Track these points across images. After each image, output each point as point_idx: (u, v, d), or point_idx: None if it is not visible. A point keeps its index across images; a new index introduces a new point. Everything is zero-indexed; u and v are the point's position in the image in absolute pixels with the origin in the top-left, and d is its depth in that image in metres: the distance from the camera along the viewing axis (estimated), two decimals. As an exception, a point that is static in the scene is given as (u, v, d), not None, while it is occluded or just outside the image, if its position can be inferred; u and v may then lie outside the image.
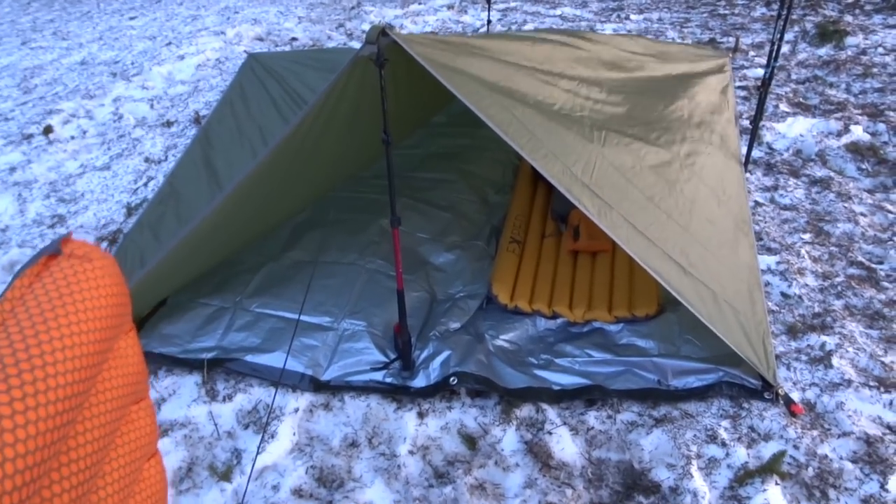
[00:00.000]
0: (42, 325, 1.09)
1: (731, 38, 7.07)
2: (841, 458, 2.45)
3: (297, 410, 2.77)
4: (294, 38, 7.73)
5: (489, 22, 6.15)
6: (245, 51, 6.96)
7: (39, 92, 6.50)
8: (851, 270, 3.47)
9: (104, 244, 3.98)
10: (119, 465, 1.38)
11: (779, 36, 3.81)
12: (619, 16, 8.17)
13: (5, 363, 1.01)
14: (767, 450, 2.49)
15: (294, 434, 2.68)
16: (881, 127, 4.88)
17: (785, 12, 3.70)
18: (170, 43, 7.62)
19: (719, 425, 2.60)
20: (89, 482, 1.23)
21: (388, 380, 2.88)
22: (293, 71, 4.77)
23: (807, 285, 3.35)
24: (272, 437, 2.66)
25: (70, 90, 6.44)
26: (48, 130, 5.40)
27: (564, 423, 2.66)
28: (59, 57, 7.63)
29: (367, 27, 7.99)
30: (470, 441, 2.62)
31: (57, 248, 1.24)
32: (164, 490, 1.67)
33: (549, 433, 2.62)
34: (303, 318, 3.16)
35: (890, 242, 3.66)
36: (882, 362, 2.86)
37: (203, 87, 6.33)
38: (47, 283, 1.18)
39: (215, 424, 2.74)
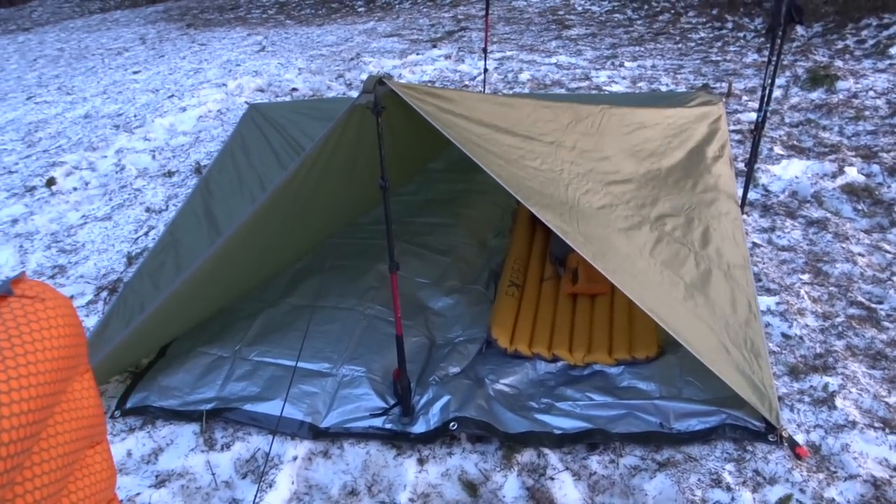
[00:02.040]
0: None
1: (723, 84, 7.19)
2: (848, 502, 2.40)
3: (295, 459, 2.73)
4: (294, 89, 7.86)
5: (485, 70, 6.26)
6: (246, 102, 7.07)
7: (43, 145, 6.59)
8: (852, 310, 3.46)
9: (104, 294, 3.99)
10: None
11: (770, 81, 3.89)
12: (613, 63, 8.33)
13: None
14: (773, 494, 2.45)
15: (293, 483, 2.65)
16: (875, 168, 4.93)
17: (775, 58, 3.78)
18: (172, 95, 7.76)
19: (724, 469, 2.56)
20: None
21: (388, 426, 2.85)
22: (293, 120, 4.83)
23: (807, 326, 3.34)
24: (270, 486, 2.62)
25: (73, 143, 6.54)
26: (51, 182, 5.46)
27: (566, 468, 2.62)
28: (63, 111, 7.76)
29: (366, 77, 8.13)
30: (471, 488, 2.58)
31: (7, 289, 1.23)
32: None
33: (552, 479, 2.58)
34: (302, 364, 3.15)
35: (889, 282, 3.66)
36: (886, 403, 2.83)
37: (204, 138, 6.41)
38: None
39: (213, 474, 2.70)
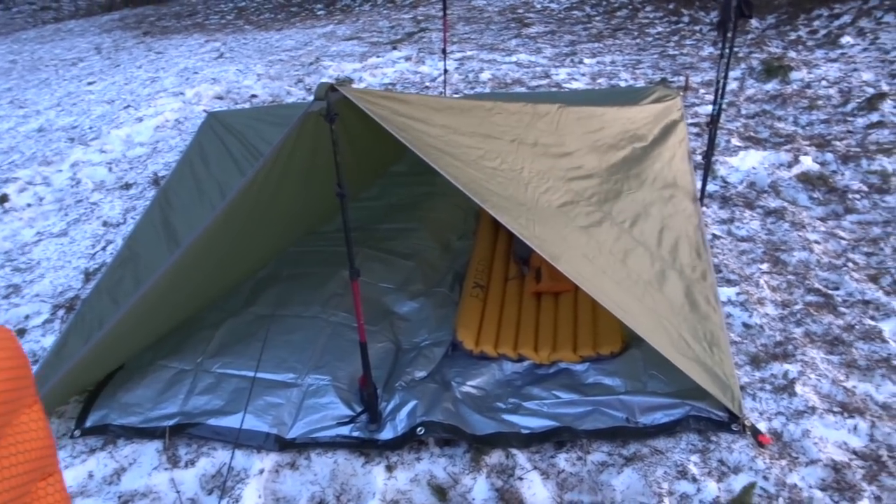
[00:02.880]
0: None
1: (681, 78, 7.29)
2: (810, 487, 2.45)
3: (262, 472, 2.70)
4: (254, 95, 7.79)
5: (446, 71, 6.27)
6: (204, 110, 6.97)
7: (-5, 160, 6.43)
8: (809, 298, 3.53)
9: (61, 312, 3.90)
10: None
11: (723, 74, 3.95)
12: (572, 60, 8.39)
13: None
14: (738, 482, 2.48)
15: (259, 496, 2.61)
16: (829, 157, 5.03)
17: (728, 51, 3.84)
18: (128, 106, 7.62)
19: (689, 460, 2.59)
20: None
21: (355, 434, 2.83)
22: (253, 127, 4.77)
23: (767, 315, 3.39)
24: (237, 501, 2.58)
25: (27, 158, 6.39)
26: (3, 199, 5.33)
27: (535, 468, 2.63)
28: (16, 125, 7.58)
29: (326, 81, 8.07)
30: (440, 492, 2.57)
31: None
32: None
33: (520, 479, 2.58)
34: (266, 375, 3.11)
35: (844, 268, 3.73)
36: (844, 387, 2.88)
37: (162, 148, 6.32)
38: None
39: (178, 492, 2.65)
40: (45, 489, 1.42)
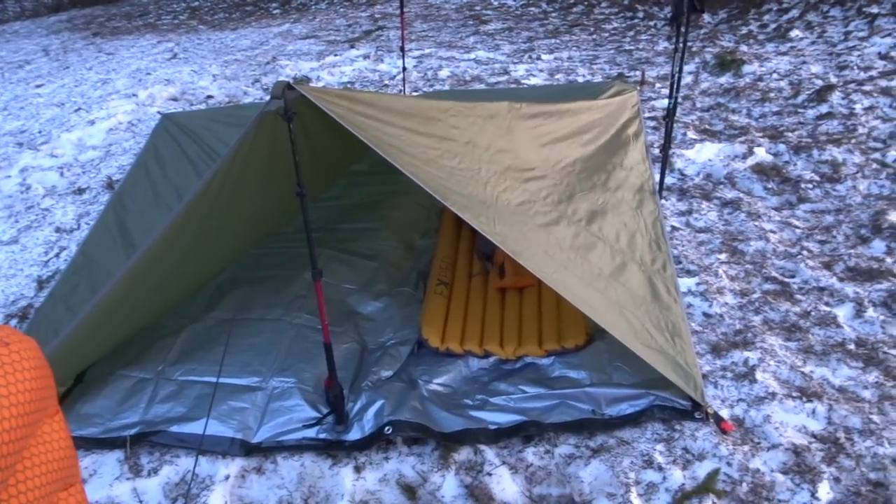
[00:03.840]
0: None
1: (637, 72, 7.38)
2: (772, 471, 2.50)
3: (227, 478, 2.66)
4: (210, 96, 7.66)
5: (404, 69, 6.24)
6: (158, 112, 6.83)
7: (-60, 167, 6.21)
8: (767, 286, 3.60)
9: (14, 321, 3.78)
10: None
11: (678, 68, 4.01)
12: (530, 56, 8.44)
13: None
14: (702, 469, 2.52)
15: (226, 502, 2.57)
16: (782, 147, 5.15)
17: (682, 45, 3.90)
18: (79, 109, 7.43)
19: (654, 449, 2.62)
20: None
21: (322, 436, 2.80)
22: (209, 129, 4.69)
23: (726, 304, 3.46)
24: (202, 509, 2.53)
25: (-27, 163, 6.18)
26: (-50, 206, 5.15)
27: (503, 463, 2.64)
28: (-39, 130, 7.33)
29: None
30: (409, 491, 2.56)
31: None
32: None
33: (489, 474, 2.59)
34: (230, 380, 3.07)
35: (799, 256, 3.82)
36: (802, 372, 2.95)
37: (116, 152, 6.17)
38: None
39: (140, 501, 2.59)
40: (66, 500, 1.41)
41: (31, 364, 1.24)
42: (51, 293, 3.63)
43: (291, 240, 4.05)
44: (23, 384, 1.19)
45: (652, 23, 9.80)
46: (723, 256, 3.89)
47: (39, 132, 6.85)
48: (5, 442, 1.11)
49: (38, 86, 8.94)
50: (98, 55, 10.79)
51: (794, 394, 2.84)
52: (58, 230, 4.80)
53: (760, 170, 4.90)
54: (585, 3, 11.31)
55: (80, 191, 5.42)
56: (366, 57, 8.86)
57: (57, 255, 4.45)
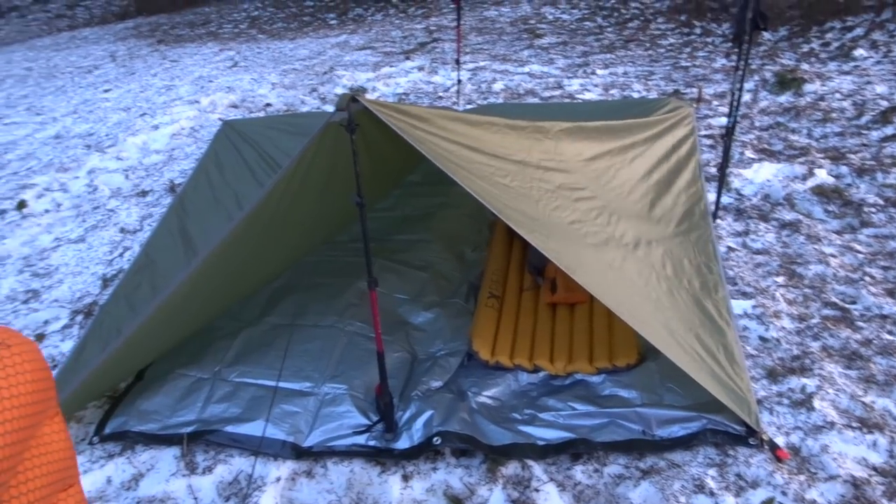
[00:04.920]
0: None
1: (693, 89, 7.29)
2: (829, 503, 2.43)
3: (278, 480, 2.71)
4: (268, 104, 7.84)
5: (459, 82, 6.30)
6: (219, 118, 7.03)
7: (13, 167, 6.50)
8: (826, 311, 3.52)
9: (80, 317, 3.93)
10: None
11: (738, 87, 3.96)
12: (584, 71, 8.41)
13: None
14: (756, 497, 2.47)
15: (276, 505, 2.62)
16: (844, 169, 5.02)
17: (743, 63, 3.85)
18: (144, 113, 7.69)
19: (706, 474, 2.58)
20: None
21: (371, 443, 2.84)
22: (268, 136, 4.80)
23: (783, 328, 3.39)
24: (254, 509, 2.59)
25: (44, 164, 6.45)
26: (22, 205, 5.38)
27: (551, 479, 2.63)
28: (33, 132, 7.66)
29: (339, 91, 8.13)
30: (456, 502, 2.57)
31: None
32: None
33: (536, 490, 2.58)
34: (283, 384, 3.13)
35: (861, 282, 3.72)
36: (863, 402, 2.87)
37: (178, 156, 6.37)
38: None
39: (195, 499, 2.66)
40: (65, 500, 1.44)
41: (32, 366, 1.26)
42: (114, 291, 3.75)
43: (345, 249, 4.12)
44: (23, 386, 1.22)
45: (709, 39, 9.67)
46: (780, 279, 3.81)
47: (106, 135, 7.11)
48: (6, 444, 1.13)
49: (105, 90, 9.28)
50: (162, 62, 11.15)
51: (854, 424, 2.76)
52: (122, 230, 4.97)
53: (821, 192, 4.79)
54: (642, 18, 11.23)
55: (144, 193, 5.61)
56: (420, 69, 8.95)
57: (121, 255, 4.61)
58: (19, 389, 1.19)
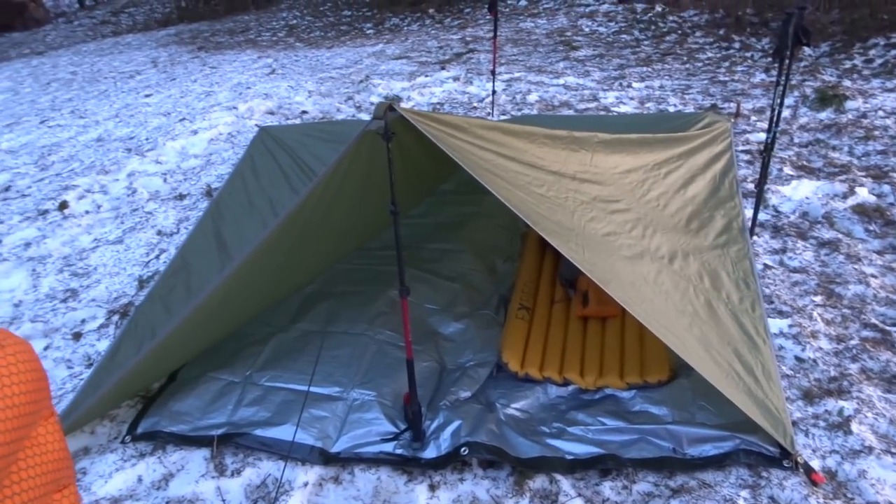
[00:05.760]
0: None
1: (731, 104, 7.21)
2: (866, 529, 2.37)
3: (306, 485, 2.72)
4: (304, 112, 7.93)
5: (494, 92, 6.30)
6: (256, 124, 7.12)
7: (56, 168, 6.66)
8: (865, 333, 3.43)
9: (116, 317, 4.00)
10: None
11: (779, 102, 3.90)
12: (620, 84, 8.36)
13: None
14: (789, 521, 2.42)
15: (303, 510, 2.63)
16: (886, 188, 4.91)
17: (784, 78, 3.79)
18: (183, 119, 7.83)
19: (738, 495, 2.53)
20: None
21: (399, 451, 2.84)
22: (303, 143, 4.85)
23: (821, 349, 3.31)
24: (281, 513, 2.60)
25: (86, 166, 6.60)
26: (63, 206, 5.51)
27: (579, 495, 2.60)
28: (76, 134, 7.84)
29: (375, 99, 8.19)
30: (483, 515, 2.56)
31: None
32: None
33: (564, 506, 2.55)
34: (312, 389, 3.15)
35: (902, 303, 3.63)
36: (903, 427, 2.79)
37: (215, 161, 6.47)
38: None
39: (223, 500, 2.69)
40: (60, 501, 1.45)
41: (27, 367, 1.27)
42: (150, 293, 3.81)
43: (376, 256, 4.13)
44: (18, 387, 1.22)
45: (749, 54, 9.55)
46: (818, 299, 3.73)
47: (146, 139, 7.25)
48: (1, 444, 1.16)
49: (146, 95, 9.47)
50: (202, 68, 11.36)
51: (894, 450, 2.68)
52: (159, 233, 5.06)
53: (862, 210, 4.69)
54: (679, 31, 11.14)
55: (181, 197, 5.70)
56: (456, 79, 8.98)
57: (157, 257, 4.69)
58: (14, 390, 1.20)
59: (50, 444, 1.39)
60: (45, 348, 3.75)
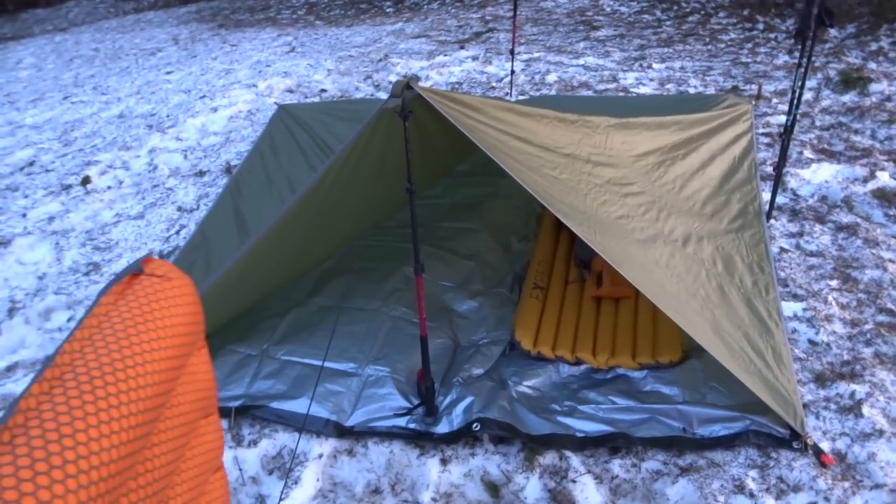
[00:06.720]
0: (125, 341, 1.15)
1: (753, 86, 7.12)
2: (873, 511, 2.39)
3: (321, 456, 2.79)
4: (323, 90, 7.95)
5: (513, 72, 6.28)
6: (275, 102, 7.17)
7: (79, 144, 6.75)
8: (881, 318, 3.42)
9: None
10: (188, 477, 1.42)
11: (800, 84, 3.86)
12: (641, 65, 8.28)
13: (92, 375, 1.06)
14: (797, 501, 2.44)
15: (318, 480, 2.70)
16: (908, 173, 4.85)
17: (806, 60, 3.75)
18: (204, 96, 7.89)
19: (747, 475, 2.56)
20: (162, 492, 1.27)
21: (412, 426, 2.89)
22: (322, 121, 4.89)
23: (835, 332, 3.31)
24: (296, 483, 2.67)
25: (108, 142, 6.69)
26: (86, 181, 5.60)
27: (588, 472, 2.64)
28: (98, 110, 7.94)
29: (393, 78, 8.19)
30: (493, 489, 2.61)
31: (139, 267, 1.30)
32: (228, 503, 1.70)
33: (573, 481, 2.60)
34: (327, 364, 3.21)
35: (920, 289, 3.61)
36: (914, 412, 2.80)
37: (235, 138, 6.52)
38: (130, 301, 1.23)
39: (240, 470, 2.76)
40: (205, 427, 1.54)
41: (188, 300, 1.35)
42: (170, 268, 3.89)
43: (392, 234, 4.17)
44: (182, 317, 1.31)
45: (772, 35, 9.40)
46: (834, 283, 3.72)
47: (167, 116, 7.32)
48: (163, 370, 1.21)
49: (167, 72, 9.55)
50: (223, 46, 11.40)
51: (904, 433, 2.69)
52: (179, 209, 5.14)
53: (882, 195, 4.64)
54: (702, 12, 10.98)
55: (201, 173, 5.77)
56: (475, 58, 8.94)
57: (177, 233, 4.76)
58: (178, 320, 1.29)
59: (202, 373, 1.48)
60: (69, 320, 3.84)
